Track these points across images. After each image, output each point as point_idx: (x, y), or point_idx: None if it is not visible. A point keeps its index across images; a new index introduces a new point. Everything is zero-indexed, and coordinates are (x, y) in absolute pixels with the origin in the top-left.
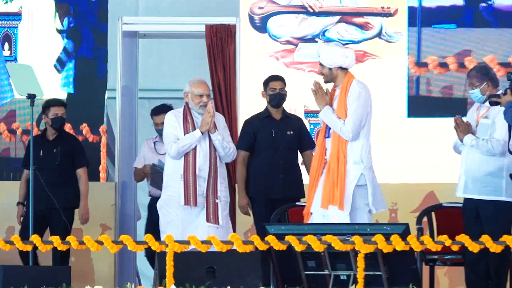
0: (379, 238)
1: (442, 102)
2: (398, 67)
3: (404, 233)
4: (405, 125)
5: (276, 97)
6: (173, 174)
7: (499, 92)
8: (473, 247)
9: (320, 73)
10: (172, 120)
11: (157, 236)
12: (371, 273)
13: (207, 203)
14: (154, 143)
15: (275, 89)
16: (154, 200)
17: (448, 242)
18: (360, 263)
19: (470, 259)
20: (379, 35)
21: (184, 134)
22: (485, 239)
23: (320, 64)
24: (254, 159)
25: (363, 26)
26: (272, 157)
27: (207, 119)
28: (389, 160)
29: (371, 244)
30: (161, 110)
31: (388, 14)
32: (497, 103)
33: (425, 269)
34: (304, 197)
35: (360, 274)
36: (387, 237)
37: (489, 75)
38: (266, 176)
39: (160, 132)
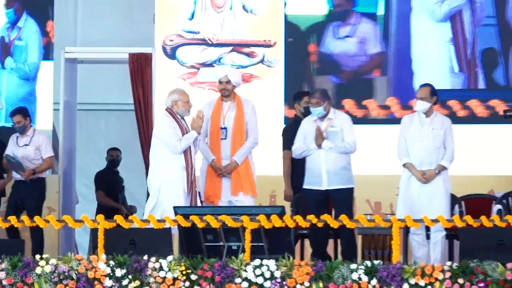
0: (261, 217)
1: None
2: (276, 87)
3: (281, 214)
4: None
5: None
6: (172, 166)
7: None
8: (334, 224)
9: (223, 88)
10: (170, 122)
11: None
12: (256, 244)
13: (193, 190)
14: (16, 137)
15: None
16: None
17: (314, 220)
18: (247, 236)
19: (316, 233)
20: (262, 61)
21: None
22: (343, 218)
23: (227, 82)
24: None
25: (249, 55)
26: None
27: (200, 123)
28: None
29: (256, 222)
30: (17, 111)
31: (269, 46)
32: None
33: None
34: None
35: (247, 245)
36: (267, 216)
37: (328, 95)
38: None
39: (19, 130)
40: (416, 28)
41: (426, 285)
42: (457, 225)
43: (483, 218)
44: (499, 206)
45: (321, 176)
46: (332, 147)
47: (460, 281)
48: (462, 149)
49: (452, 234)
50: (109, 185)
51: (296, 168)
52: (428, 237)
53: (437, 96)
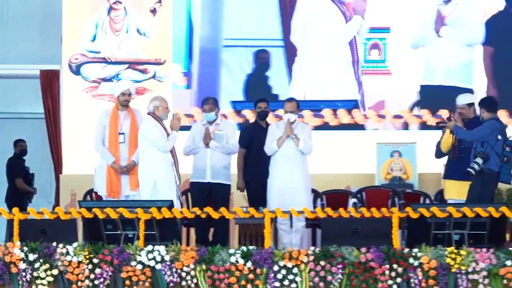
0: (153, 210)
1: None
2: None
3: (170, 206)
4: None
5: (262, 113)
6: (163, 162)
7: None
8: (215, 215)
9: (126, 100)
10: (157, 124)
11: None
12: (148, 232)
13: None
14: None
15: (261, 108)
16: None
17: (198, 212)
18: (141, 226)
19: (200, 222)
20: (153, 77)
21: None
22: (223, 210)
23: (129, 94)
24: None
25: (143, 71)
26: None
27: (178, 124)
28: None
29: (148, 214)
30: None
31: (159, 63)
32: (444, 127)
33: (184, 230)
34: None
35: (141, 233)
36: (159, 209)
37: (218, 104)
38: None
39: None
40: None
41: (293, 266)
42: (319, 216)
43: (341, 210)
44: (354, 200)
45: (205, 170)
46: (218, 146)
47: (322, 263)
48: (323, 151)
49: (315, 223)
50: (25, 172)
51: (249, 164)
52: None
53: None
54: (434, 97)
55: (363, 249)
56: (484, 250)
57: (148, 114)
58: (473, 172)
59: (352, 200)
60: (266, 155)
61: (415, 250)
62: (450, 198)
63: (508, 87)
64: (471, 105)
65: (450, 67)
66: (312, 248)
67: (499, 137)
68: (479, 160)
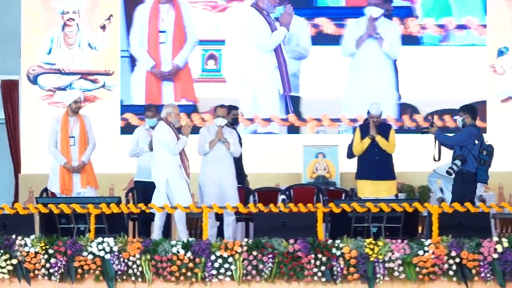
0: (103, 205)
1: None
2: (113, 106)
3: (118, 202)
4: (119, 140)
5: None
6: (173, 163)
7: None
8: (159, 210)
9: (78, 107)
10: (168, 130)
11: None
12: (99, 226)
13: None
14: None
15: (236, 115)
16: None
17: (143, 207)
18: (92, 220)
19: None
20: (103, 86)
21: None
22: (166, 206)
23: (80, 102)
24: None
25: (94, 81)
26: None
27: (189, 130)
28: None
29: (98, 209)
30: None
31: (108, 74)
32: (428, 133)
33: (130, 224)
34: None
35: (92, 226)
36: (108, 204)
37: (158, 111)
38: None
39: None
40: None
41: (229, 256)
42: (252, 211)
43: (271, 205)
44: (283, 196)
45: (150, 170)
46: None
47: (254, 253)
48: (254, 152)
49: (248, 218)
50: None
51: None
52: (218, 219)
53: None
54: None
55: (291, 241)
56: (399, 241)
57: (161, 119)
58: (452, 172)
59: (281, 197)
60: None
61: (338, 241)
62: (363, 196)
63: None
64: (381, 113)
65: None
66: (245, 239)
67: (476, 141)
68: (457, 162)
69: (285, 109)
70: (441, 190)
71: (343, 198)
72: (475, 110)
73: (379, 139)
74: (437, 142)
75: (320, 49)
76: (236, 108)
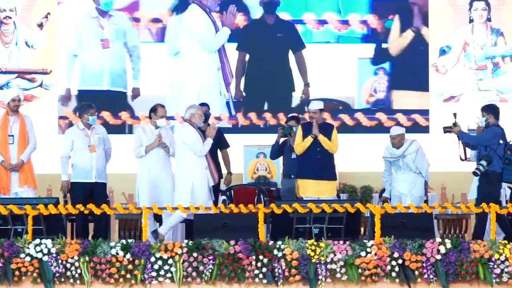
0: (41, 206)
1: None
2: (51, 105)
3: (56, 203)
4: (56, 139)
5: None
6: (199, 165)
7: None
8: (98, 211)
9: (17, 105)
10: (193, 131)
11: None
12: (36, 227)
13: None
14: None
15: (206, 111)
16: None
17: (82, 208)
18: (30, 221)
19: (82, 218)
20: (40, 85)
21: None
22: (104, 206)
23: (19, 100)
24: None
25: (31, 80)
26: None
27: (214, 132)
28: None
29: (36, 210)
30: None
31: (46, 73)
32: (450, 132)
33: (69, 225)
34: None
35: (30, 228)
36: (45, 205)
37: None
38: None
39: None
40: None
41: (169, 258)
42: (192, 211)
43: (212, 206)
44: (224, 197)
45: (91, 171)
46: (102, 149)
47: (195, 254)
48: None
49: (188, 219)
50: None
51: None
52: (159, 221)
53: None
54: None
55: (232, 242)
56: (341, 242)
57: (184, 121)
58: (478, 172)
59: (222, 197)
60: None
61: (279, 242)
62: (304, 195)
63: (255, 91)
64: (322, 110)
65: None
66: (185, 241)
67: (500, 141)
68: (483, 162)
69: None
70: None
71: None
72: (497, 109)
73: (322, 138)
74: (460, 141)
75: None
76: (205, 104)
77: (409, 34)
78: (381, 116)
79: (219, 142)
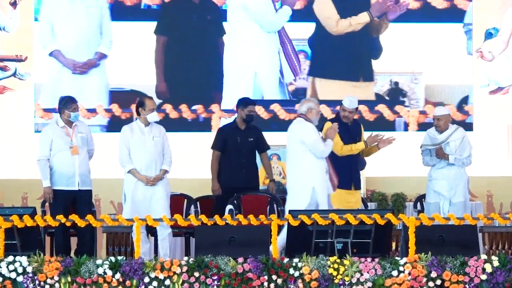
0: (14, 217)
1: None
2: (27, 97)
3: (32, 214)
4: (33, 139)
5: (251, 117)
6: (320, 168)
7: None
8: (82, 223)
9: None
10: (313, 128)
11: None
12: (9, 242)
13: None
14: None
15: (251, 111)
16: None
17: (63, 220)
18: (1, 235)
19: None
20: (14, 74)
21: None
22: (89, 218)
23: None
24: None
25: (2, 68)
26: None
27: (335, 134)
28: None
29: (9, 222)
30: None
31: (20, 60)
32: None
33: (48, 239)
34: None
35: (1, 243)
36: (20, 216)
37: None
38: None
39: None
40: None
41: (165, 278)
42: (193, 223)
43: (216, 217)
44: (230, 206)
45: (74, 177)
46: (85, 150)
47: (196, 274)
48: (193, 154)
49: (189, 232)
50: None
51: (225, 167)
52: (153, 234)
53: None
54: None
55: (240, 259)
56: (369, 259)
57: (299, 116)
58: None
59: (228, 207)
60: (244, 159)
61: (296, 260)
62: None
63: (177, 79)
64: (356, 109)
65: None
66: (185, 258)
67: None
68: None
69: None
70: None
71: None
72: None
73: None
74: None
75: None
76: (252, 102)
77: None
78: None
79: (257, 142)
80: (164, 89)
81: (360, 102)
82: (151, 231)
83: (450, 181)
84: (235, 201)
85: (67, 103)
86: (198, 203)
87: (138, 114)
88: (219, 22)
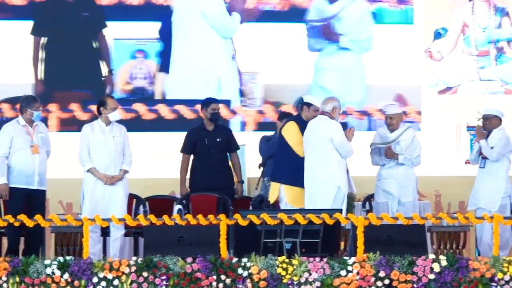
0: None
1: None
2: None
3: None
4: None
5: (216, 115)
6: (343, 167)
7: None
8: (30, 223)
9: None
10: (340, 127)
11: None
12: None
13: None
14: None
15: (215, 109)
16: None
17: (12, 220)
18: None
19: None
20: None
21: None
22: (38, 217)
23: None
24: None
25: None
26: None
27: (352, 137)
28: None
29: None
30: None
31: None
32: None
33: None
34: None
35: None
36: None
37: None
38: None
39: None
40: None
41: (114, 278)
42: (142, 223)
43: (165, 217)
44: (179, 206)
45: (33, 176)
46: (45, 150)
47: (145, 274)
48: (147, 154)
49: (137, 232)
50: None
51: (196, 169)
52: (108, 234)
53: None
54: None
55: (189, 259)
56: (317, 259)
57: (323, 114)
58: None
59: (177, 207)
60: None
61: (244, 259)
62: (296, 205)
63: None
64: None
65: None
66: (134, 258)
67: None
68: None
69: None
70: None
71: (251, 207)
72: None
73: None
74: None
75: None
76: (215, 101)
77: None
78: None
79: (227, 142)
80: (43, 89)
81: None
82: (104, 231)
83: (399, 180)
84: (184, 201)
85: (30, 102)
86: (147, 203)
87: (99, 113)
88: (99, 18)
